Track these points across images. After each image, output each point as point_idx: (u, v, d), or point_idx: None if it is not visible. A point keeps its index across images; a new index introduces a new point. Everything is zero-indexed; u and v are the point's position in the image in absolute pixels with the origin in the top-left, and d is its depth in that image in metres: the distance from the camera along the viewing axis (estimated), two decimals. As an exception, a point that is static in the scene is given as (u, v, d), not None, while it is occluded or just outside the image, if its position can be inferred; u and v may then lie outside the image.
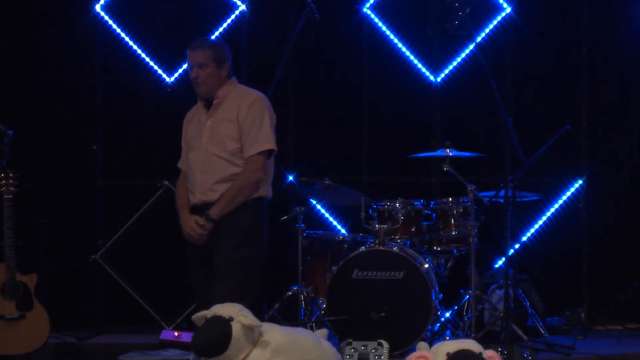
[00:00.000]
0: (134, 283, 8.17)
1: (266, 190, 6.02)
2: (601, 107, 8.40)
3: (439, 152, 7.39)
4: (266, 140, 5.92)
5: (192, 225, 5.88)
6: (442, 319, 7.22)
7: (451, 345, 4.29)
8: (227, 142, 5.92)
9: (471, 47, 8.26)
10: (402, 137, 8.42)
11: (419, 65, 8.49)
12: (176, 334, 6.68)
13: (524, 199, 7.35)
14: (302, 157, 8.42)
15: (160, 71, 8.48)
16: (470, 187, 7.09)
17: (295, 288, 7.36)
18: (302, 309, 7.22)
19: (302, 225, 7.25)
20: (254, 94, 6.02)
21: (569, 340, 7.10)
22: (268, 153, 5.94)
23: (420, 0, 8.42)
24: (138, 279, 8.20)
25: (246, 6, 8.42)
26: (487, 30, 8.37)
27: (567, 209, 8.37)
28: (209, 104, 6.04)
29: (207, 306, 5.46)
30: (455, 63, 8.47)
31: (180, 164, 6.26)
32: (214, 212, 5.84)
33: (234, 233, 5.87)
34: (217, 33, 8.41)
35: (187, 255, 6.07)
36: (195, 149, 6.04)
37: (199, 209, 5.95)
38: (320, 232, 7.64)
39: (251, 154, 5.91)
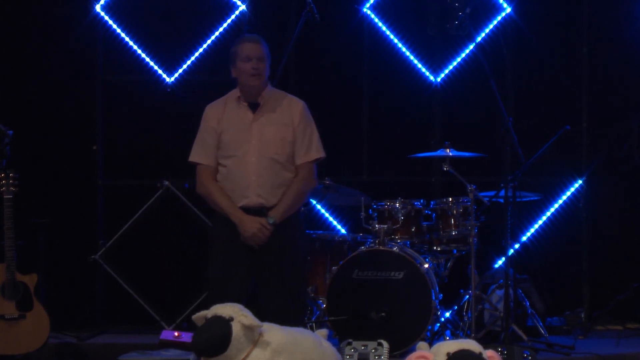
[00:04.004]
0: (134, 283, 8.16)
1: None
2: (601, 107, 8.40)
3: (439, 152, 7.39)
4: (319, 148, 6.12)
5: (259, 226, 5.89)
6: (442, 319, 7.23)
7: (451, 345, 4.29)
8: (284, 146, 6.00)
9: (471, 47, 8.26)
10: (402, 137, 8.42)
11: (419, 65, 8.48)
12: (176, 334, 6.67)
13: (524, 199, 7.35)
14: (302, 157, 8.40)
15: (160, 71, 8.48)
16: (470, 187, 7.09)
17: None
18: (302, 309, 7.22)
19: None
20: (299, 100, 6.16)
21: (569, 340, 7.11)
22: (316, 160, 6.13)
23: (420, 0, 8.42)
24: (138, 279, 8.20)
25: (246, 6, 8.42)
26: (487, 30, 8.37)
27: (567, 209, 8.37)
28: (252, 105, 6.06)
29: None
30: (455, 63, 8.47)
31: (201, 159, 6.11)
32: (276, 217, 5.92)
33: (293, 238, 6.02)
34: (217, 33, 8.42)
35: (218, 254, 6.03)
36: (240, 149, 6.00)
37: (250, 211, 5.96)
38: (320, 232, 7.64)
39: (306, 161, 6.04)
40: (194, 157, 6.14)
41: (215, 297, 5.82)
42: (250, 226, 5.90)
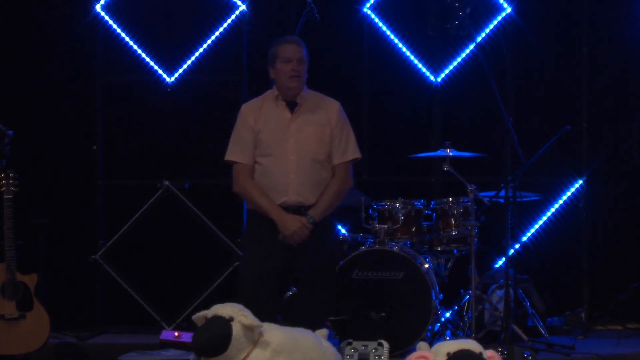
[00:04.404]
0: (134, 283, 8.16)
1: None
2: (601, 107, 8.40)
3: (439, 152, 7.39)
4: (355, 149, 6.23)
5: (300, 225, 5.97)
6: (442, 319, 7.22)
7: (451, 345, 4.28)
8: (322, 145, 6.09)
9: (471, 47, 8.26)
10: (402, 137, 8.42)
11: (419, 65, 8.48)
12: (176, 334, 6.68)
13: (524, 199, 7.34)
14: (302, 157, 8.40)
15: (160, 71, 8.48)
16: (470, 187, 7.09)
17: (295, 288, 7.35)
18: (303, 309, 7.21)
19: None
20: (335, 101, 6.23)
21: (569, 340, 7.11)
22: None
23: (420, 0, 8.42)
24: (138, 279, 8.19)
25: (246, 6, 8.42)
26: (487, 30, 8.37)
27: (567, 209, 8.37)
28: (290, 104, 6.12)
29: (258, 305, 5.40)
30: (455, 63, 8.47)
31: (238, 157, 6.18)
32: (316, 216, 6.02)
33: (328, 237, 6.14)
34: (217, 33, 8.41)
35: (253, 250, 6.11)
36: (278, 148, 6.07)
37: (288, 210, 6.05)
38: (321, 232, 7.62)
39: (343, 161, 6.16)
40: (230, 155, 6.18)
41: (249, 292, 5.88)
42: (291, 224, 5.98)
